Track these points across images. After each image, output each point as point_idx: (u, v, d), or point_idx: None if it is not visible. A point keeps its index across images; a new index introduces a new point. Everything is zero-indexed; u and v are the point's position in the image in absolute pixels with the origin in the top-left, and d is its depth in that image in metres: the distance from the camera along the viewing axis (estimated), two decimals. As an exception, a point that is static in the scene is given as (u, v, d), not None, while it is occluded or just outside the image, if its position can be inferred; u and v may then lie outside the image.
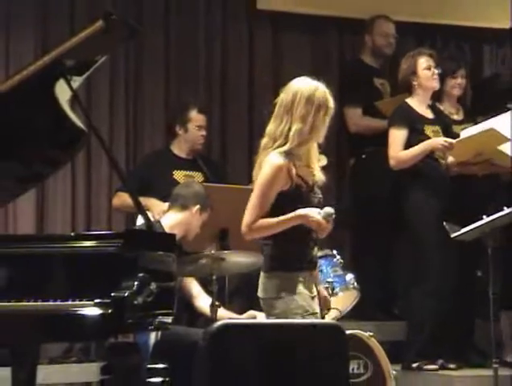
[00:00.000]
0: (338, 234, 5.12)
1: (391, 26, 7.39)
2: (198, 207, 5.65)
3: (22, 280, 4.53)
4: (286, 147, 4.53)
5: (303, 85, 4.61)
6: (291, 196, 4.51)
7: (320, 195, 4.65)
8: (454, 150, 6.42)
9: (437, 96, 6.78)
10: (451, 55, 7.69)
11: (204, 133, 6.79)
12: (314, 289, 4.64)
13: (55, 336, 4.81)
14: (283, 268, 4.54)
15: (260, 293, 4.62)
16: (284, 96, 4.61)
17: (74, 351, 6.62)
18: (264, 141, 4.61)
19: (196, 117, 6.76)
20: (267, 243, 4.58)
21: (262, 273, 4.61)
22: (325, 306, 4.85)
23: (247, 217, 4.53)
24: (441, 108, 6.83)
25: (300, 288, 4.52)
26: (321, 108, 4.56)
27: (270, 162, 4.51)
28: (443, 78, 6.79)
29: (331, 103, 4.61)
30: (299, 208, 4.47)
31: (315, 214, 4.47)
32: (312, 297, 4.59)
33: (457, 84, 6.88)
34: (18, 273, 4.54)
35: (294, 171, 4.54)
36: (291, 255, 4.55)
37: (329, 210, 4.48)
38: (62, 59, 4.84)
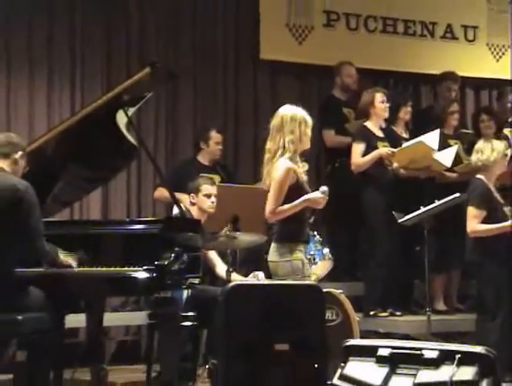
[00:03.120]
0: (318, 220, 5.11)
1: (354, 69, 7.34)
2: (191, 195, 5.67)
3: (93, 252, 4.54)
4: (287, 155, 4.55)
5: (286, 110, 4.66)
6: (297, 188, 4.54)
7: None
8: (395, 157, 6.41)
9: (391, 121, 6.77)
10: (401, 91, 7.75)
11: (220, 147, 6.77)
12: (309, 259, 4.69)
13: (115, 292, 4.87)
14: (289, 239, 4.54)
15: (270, 258, 4.59)
16: (274, 121, 4.66)
17: (129, 302, 6.61)
18: (266, 156, 4.65)
19: (215, 136, 6.74)
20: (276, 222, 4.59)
21: (272, 243, 4.60)
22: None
23: (270, 206, 4.54)
24: (394, 128, 6.80)
25: (300, 255, 4.52)
26: (302, 123, 4.60)
27: (281, 166, 4.54)
28: (398, 107, 6.80)
29: (309, 119, 4.65)
30: (302, 195, 4.52)
31: (315, 195, 4.53)
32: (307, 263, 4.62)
33: (407, 111, 6.89)
34: (89, 247, 4.56)
35: (298, 171, 4.56)
36: (294, 231, 4.55)
37: (324, 188, 4.56)
38: (121, 94, 4.85)
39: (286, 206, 4.52)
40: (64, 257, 4.34)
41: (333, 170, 7.14)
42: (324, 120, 7.09)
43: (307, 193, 4.57)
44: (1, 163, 4.31)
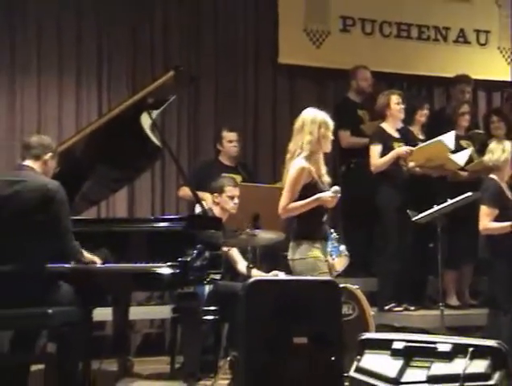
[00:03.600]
0: (334, 218, 5.10)
1: (369, 73, 7.33)
2: (215, 194, 5.67)
3: (119, 248, 4.56)
4: (303, 154, 4.55)
5: (308, 113, 4.68)
6: (311, 187, 4.52)
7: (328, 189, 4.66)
8: (413, 156, 6.39)
9: (408, 122, 6.75)
10: (418, 95, 7.74)
11: (234, 144, 6.71)
12: (328, 256, 4.68)
13: (140, 286, 4.87)
14: (305, 238, 4.53)
15: (289, 256, 4.61)
16: (297, 123, 4.68)
17: (154, 297, 6.62)
18: (287, 155, 4.65)
19: (226, 135, 6.73)
20: (294, 220, 4.58)
21: (291, 242, 4.60)
22: (331, 270, 4.86)
23: (282, 202, 4.55)
24: (411, 129, 6.78)
25: (317, 253, 4.51)
26: (322, 125, 4.60)
27: (296, 165, 4.56)
28: (415, 109, 6.79)
29: (330, 122, 4.66)
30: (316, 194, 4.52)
31: (326, 194, 4.50)
32: (325, 261, 4.61)
33: (424, 114, 6.88)
34: (115, 244, 4.58)
35: (313, 170, 4.55)
36: (310, 229, 4.55)
37: (336, 188, 4.55)
38: (145, 97, 4.86)
39: (297, 203, 4.52)
40: (88, 255, 4.35)
41: (348, 170, 7.13)
42: (339, 121, 7.02)
43: (321, 192, 4.57)
44: (32, 164, 4.34)
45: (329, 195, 4.53)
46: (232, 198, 5.66)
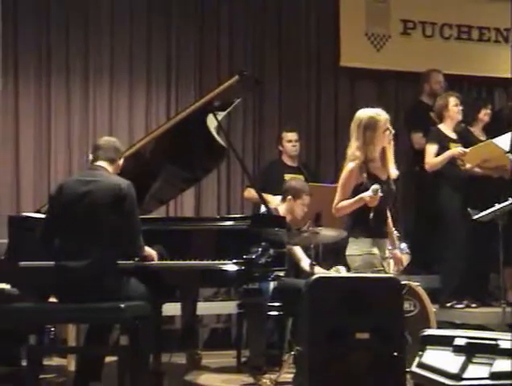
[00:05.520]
0: (398, 217, 5.02)
1: (441, 76, 7.24)
2: (289, 197, 5.64)
3: (187, 246, 4.58)
4: (357, 161, 4.43)
5: (357, 116, 4.51)
6: (362, 188, 4.42)
7: (393, 186, 4.54)
8: (467, 157, 6.30)
9: (470, 122, 6.63)
10: (478, 96, 7.66)
11: (293, 144, 6.68)
12: (387, 252, 4.57)
13: (208, 283, 4.88)
14: (363, 235, 4.45)
15: (347, 252, 4.51)
16: (352, 122, 4.53)
17: (220, 293, 6.65)
18: (347, 150, 4.52)
19: (285, 135, 6.72)
20: (349, 218, 4.52)
21: (349, 238, 4.52)
22: (399, 265, 4.79)
23: (334, 202, 4.48)
24: (472, 130, 6.65)
25: (374, 250, 4.43)
26: (367, 128, 4.42)
27: (347, 168, 4.46)
28: (479, 109, 6.66)
29: (378, 118, 4.43)
30: None
31: (366, 194, 4.34)
32: (384, 258, 4.51)
33: (488, 113, 6.74)
34: (184, 241, 4.60)
35: (364, 170, 4.44)
36: (368, 226, 4.45)
37: (375, 186, 4.34)
38: (211, 100, 4.88)
39: (344, 202, 4.43)
40: (148, 249, 4.38)
41: (422, 169, 7.03)
42: (412, 124, 7.04)
43: None
44: (106, 166, 4.40)
45: (368, 194, 4.39)
46: (305, 206, 5.65)
